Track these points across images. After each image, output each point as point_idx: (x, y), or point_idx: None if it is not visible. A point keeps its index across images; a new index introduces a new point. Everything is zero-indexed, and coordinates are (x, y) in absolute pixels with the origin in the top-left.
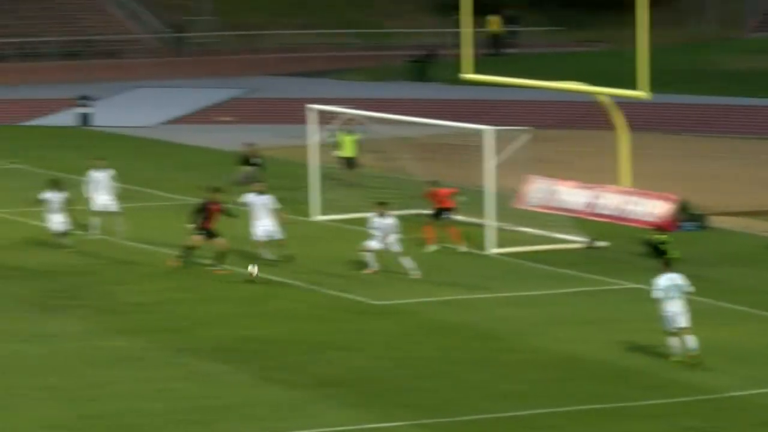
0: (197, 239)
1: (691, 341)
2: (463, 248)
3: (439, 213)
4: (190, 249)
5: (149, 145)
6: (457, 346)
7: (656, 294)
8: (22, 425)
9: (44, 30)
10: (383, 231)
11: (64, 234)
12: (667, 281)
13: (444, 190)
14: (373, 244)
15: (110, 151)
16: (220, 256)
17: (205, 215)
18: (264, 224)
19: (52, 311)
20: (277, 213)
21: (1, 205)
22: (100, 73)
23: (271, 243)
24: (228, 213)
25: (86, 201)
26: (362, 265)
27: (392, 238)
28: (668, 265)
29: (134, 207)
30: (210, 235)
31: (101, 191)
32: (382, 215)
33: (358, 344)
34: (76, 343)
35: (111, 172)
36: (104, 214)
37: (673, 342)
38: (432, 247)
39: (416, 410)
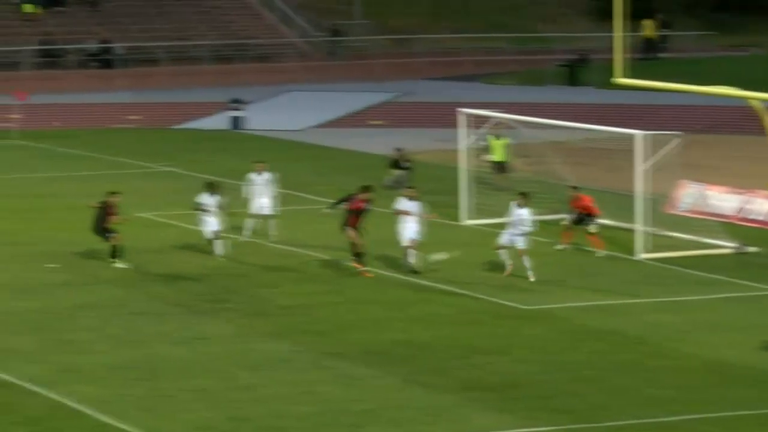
0: (350, 234)
1: None
2: (602, 253)
3: (582, 219)
4: (356, 249)
5: (301, 149)
6: (605, 351)
7: None
8: (172, 427)
9: (197, 33)
10: (517, 222)
11: (216, 238)
12: None
13: (588, 197)
14: (504, 238)
15: (262, 154)
16: (360, 256)
17: (350, 210)
18: (411, 228)
19: (201, 314)
20: (424, 218)
21: (153, 208)
22: (252, 77)
23: (415, 247)
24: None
25: (245, 204)
26: (503, 268)
27: (520, 232)
28: None
29: (287, 210)
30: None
31: (260, 194)
32: (520, 206)
33: (506, 348)
34: (225, 346)
35: (271, 175)
36: (260, 217)
37: None
38: (559, 246)
39: (562, 415)
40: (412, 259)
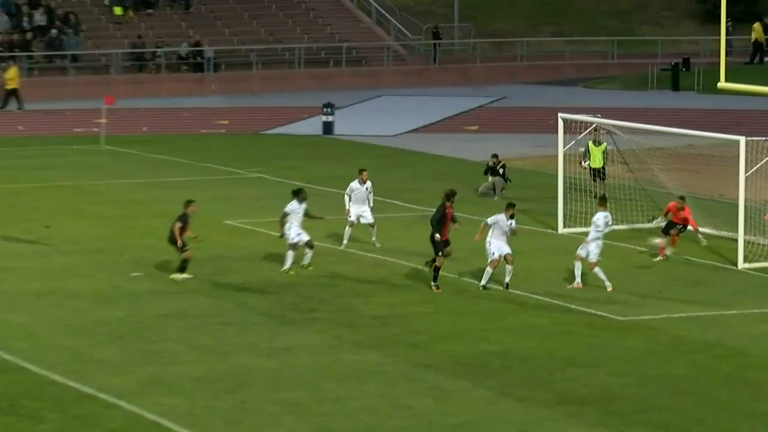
0: (439, 244)
1: None
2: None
3: (672, 227)
4: (438, 262)
5: (393, 155)
6: (705, 363)
7: None
8: None
9: (291, 36)
10: (596, 228)
11: (294, 248)
12: None
13: (688, 209)
14: (580, 251)
15: (353, 160)
16: (435, 270)
17: (443, 221)
18: (498, 245)
19: (289, 324)
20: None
21: (242, 215)
22: (347, 81)
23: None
24: (454, 220)
25: (340, 211)
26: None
27: (592, 237)
28: None
29: (379, 218)
30: (446, 244)
31: (362, 202)
32: (600, 210)
33: (602, 361)
34: (313, 357)
35: (371, 184)
36: (359, 225)
37: None
38: (659, 257)
39: (661, 430)
40: (507, 276)
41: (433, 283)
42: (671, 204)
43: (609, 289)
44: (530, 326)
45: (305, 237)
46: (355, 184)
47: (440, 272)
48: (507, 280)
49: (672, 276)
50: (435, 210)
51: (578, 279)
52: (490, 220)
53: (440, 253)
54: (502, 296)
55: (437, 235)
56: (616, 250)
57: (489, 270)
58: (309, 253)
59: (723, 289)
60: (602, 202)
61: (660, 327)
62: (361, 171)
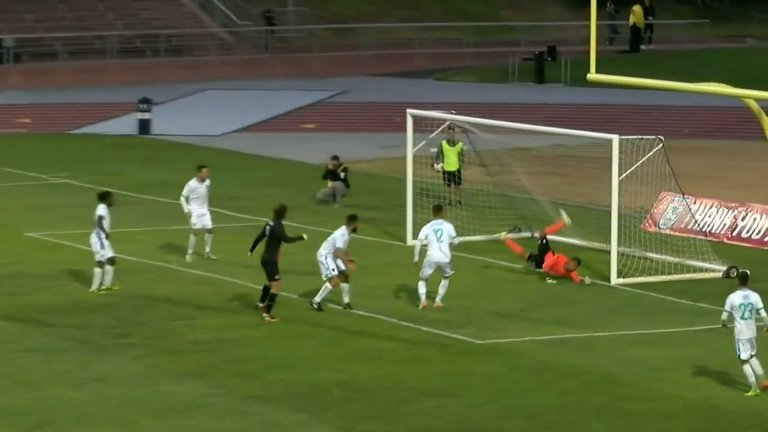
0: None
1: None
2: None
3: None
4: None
5: (221, 157)
6: (575, 392)
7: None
8: None
9: (101, 23)
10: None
11: (107, 261)
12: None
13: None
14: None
15: (174, 163)
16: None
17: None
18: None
19: (101, 351)
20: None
21: (48, 226)
22: (166, 73)
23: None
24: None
25: (185, 215)
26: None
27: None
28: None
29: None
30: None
31: (199, 204)
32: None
33: (458, 390)
34: (130, 388)
35: (209, 183)
36: (202, 231)
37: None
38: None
39: None
40: (346, 295)
41: (267, 315)
42: (560, 258)
43: (434, 305)
44: (376, 351)
45: (109, 252)
46: (193, 182)
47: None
48: (346, 299)
49: (537, 293)
50: (270, 228)
51: (423, 298)
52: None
53: (277, 276)
54: (343, 318)
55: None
56: (473, 264)
57: (328, 286)
58: (110, 271)
59: (594, 308)
60: (438, 210)
61: (523, 351)
62: (200, 168)
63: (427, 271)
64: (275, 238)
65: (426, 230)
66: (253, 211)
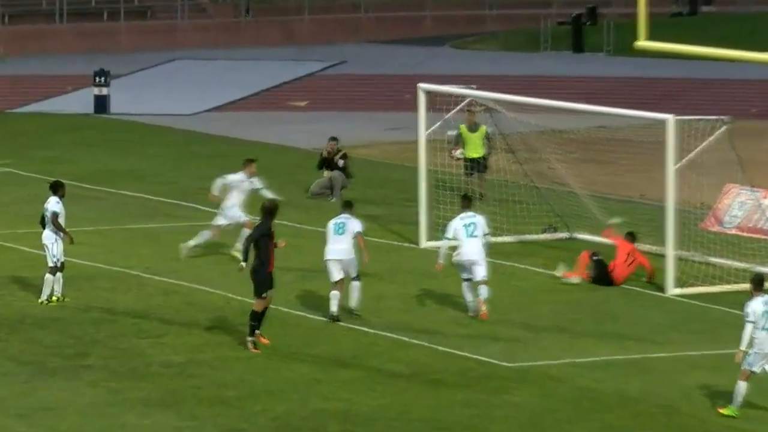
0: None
1: None
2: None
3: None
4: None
5: (191, 141)
6: (622, 425)
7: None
8: None
9: None
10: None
11: (55, 270)
12: None
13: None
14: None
15: (138, 148)
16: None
17: (268, 246)
18: (336, 249)
19: (51, 374)
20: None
21: None
22: (127, 41)
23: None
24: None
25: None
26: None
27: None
28: None
29: (169, 227)
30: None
31: (235, 201)
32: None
33: (481, 423)
34: (83, 420)
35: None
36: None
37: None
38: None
39: None
40: (334, 305)
41: (249, 338)
42: (613, 238)
43: (471, 314)
44: (381, 375)
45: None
46: (240, 175)
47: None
48: (353, 304)
49: (576, 306)
50: (256, 225)
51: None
52: (450, 232)
53: (265, 294)
54: (341, 334)
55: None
56: (500, 270)
57: (335, 294)
58: (58, 278)
59: (646, 324)
60: (467, 202)
61: (562, 376)
62: (249, 161)
63: (466, 273)
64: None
65: (455, 225)
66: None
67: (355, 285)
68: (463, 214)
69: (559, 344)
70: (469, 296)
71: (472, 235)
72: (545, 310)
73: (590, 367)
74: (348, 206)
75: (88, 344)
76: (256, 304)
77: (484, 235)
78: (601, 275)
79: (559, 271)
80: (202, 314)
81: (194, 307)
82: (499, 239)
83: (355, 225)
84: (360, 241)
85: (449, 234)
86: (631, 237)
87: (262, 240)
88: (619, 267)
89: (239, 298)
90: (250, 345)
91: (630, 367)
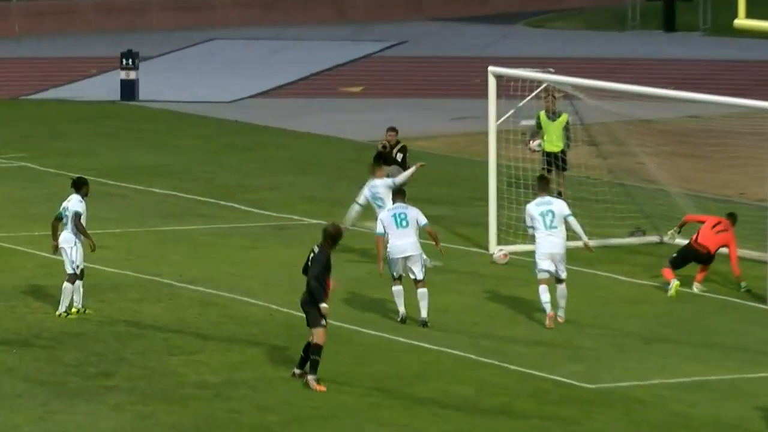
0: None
1: None
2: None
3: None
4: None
5: (230, 132)
6: None
7: None
8: None
9: None
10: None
11: (74, 278)
12: None
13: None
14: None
15: (169, 140)
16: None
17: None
18: (403, 245)
19: (72, 395)
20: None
21: None
22: (158, 18)
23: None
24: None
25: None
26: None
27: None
28: None
29: (205, 230)
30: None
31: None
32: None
33: None
34: None
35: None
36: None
37: None
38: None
39: None
40: (401, 306)
41: (312, 377)
42: (703, 217)
43: (557, 320)
44: (446, 398)
45: (76, 262)
46: (380, 182)
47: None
48: (423, 315)
49: (666, 319)
50: (313, 256)
51: (548, 308)
52: (528, 219)
53: (323, 322)
54: (401, 352)
55: (324, 305)
56: (579, 278)
57: (399, 290)
58: (78, 288)
59: (746, 340)
60: (544, 184)
61: (650, 399)
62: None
63: (545, 266)
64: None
65: (531, 212)
66: (272, 205)
67: (424, 293)
68: (539, 199)
69: (647, 363)
70: (546, 296)
71: (551, 226)
72: (631, 324)
73: (682, 388)
74: (401, 194)
75: (112, 362)
76: (318, 336)
77: (566, 217)
78: (685, 250)
79: (671, 236)
80: (242, 329)
81: (233, 320)
82: (580, 244)
83: (416, 214)
84: (431, 233)
85: (528, 222)
86: (731, 216)
87: (322, 272)
88: (704, 231)
89: (284, 310)
90: (313, 383)
91: (727, 389)
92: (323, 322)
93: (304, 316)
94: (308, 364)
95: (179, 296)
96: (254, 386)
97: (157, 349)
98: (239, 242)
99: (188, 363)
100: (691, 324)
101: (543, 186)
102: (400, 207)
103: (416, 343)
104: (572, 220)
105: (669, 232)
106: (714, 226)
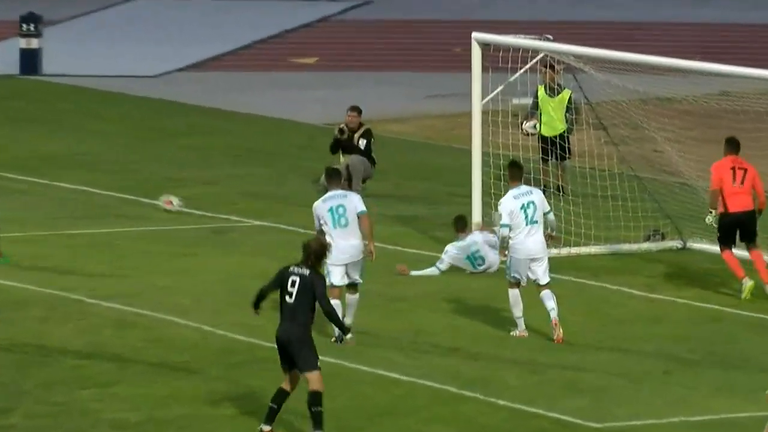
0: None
1: None
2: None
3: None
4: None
5: (155, 114)
6: None
7: None
8: None
9: None
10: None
11: None
12: None
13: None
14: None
15: (82, 122)
16: None
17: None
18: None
19: None
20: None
21: None
22: None
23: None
24: None
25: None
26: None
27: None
28: None
29: (125, 233)
30: None
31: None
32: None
33: None
34: None
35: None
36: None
37: None
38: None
39: None
40: (348, 317)
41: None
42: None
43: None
44: None
45: None
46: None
47: None
48: (349, 321)
49: (690, 342)
50: (302, 283)
51: (522, 324)
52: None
53: (319, 364)
54: (368, 383)
55: (350, 336)
56: (584, 291)
57: (336, 303)
58: None
59: None
60: (517, 172)
61: None
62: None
63: (520, 273)
64: (306, 296)
65: (509, 206)
66: (208, 204)
67: (355, 299)
68: (513, 190)
69: (666, 396)
70: (518, 311)
71: (532, 221)
72: (647, 348)
73: (707, 427)
74: (335, 175)
75: (11, 396)
76: (314, 382)
77: (545, 214)
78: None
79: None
80: (169, 355)
81: (158, 344)
82: (585, 250)
83: (355, 202)
84: (366, 225)
85: (505, 218)
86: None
87: (304, 294)
88: (728, 189)
89: (220, 332)
90: None
91: (760, 427)
92: (318, 363)
93: (282, 356)
94: (311, 419)
95: (93, 315)
96: (183, 426)
97: (66, 380)
98: (167, 249)
99: (103, 397)
100: (718, 348)
101: (516, 174)
102: (337, 196)
103: (384, 373)
104: (551, 218)
105: (708, 218)
106: (734, 176)
